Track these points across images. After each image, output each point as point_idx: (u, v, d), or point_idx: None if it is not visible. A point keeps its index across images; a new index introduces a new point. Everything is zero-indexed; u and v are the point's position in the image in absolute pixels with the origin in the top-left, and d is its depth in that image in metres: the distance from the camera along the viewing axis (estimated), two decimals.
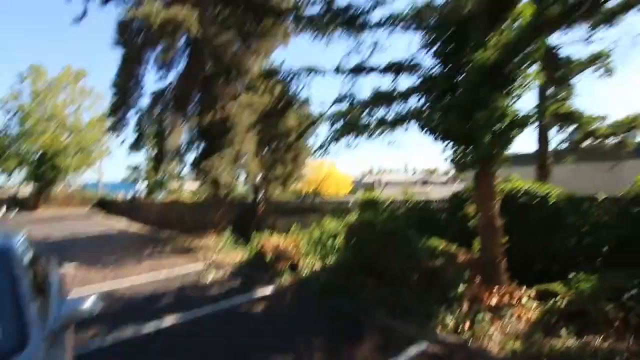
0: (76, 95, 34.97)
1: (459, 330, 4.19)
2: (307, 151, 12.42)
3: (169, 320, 4.93)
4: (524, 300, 4.69)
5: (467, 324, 4.23)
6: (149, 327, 4.68)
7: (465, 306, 4.55)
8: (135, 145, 13.12)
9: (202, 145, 12.70)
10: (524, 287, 4.92)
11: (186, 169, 14.74)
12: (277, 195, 12.88)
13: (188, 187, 24.32)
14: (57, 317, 2.02)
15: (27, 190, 36.04)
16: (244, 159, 11.40)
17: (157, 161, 13.24)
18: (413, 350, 4.00)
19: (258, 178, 12.24)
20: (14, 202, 32.05)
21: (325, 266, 6.93)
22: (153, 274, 7.73)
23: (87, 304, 2.11)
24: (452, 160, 5.38)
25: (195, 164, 12.44)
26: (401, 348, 4.02)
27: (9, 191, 36.24)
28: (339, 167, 31.73)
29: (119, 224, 19.58)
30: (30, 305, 1.96)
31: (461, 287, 4.81)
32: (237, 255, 8.77)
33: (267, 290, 6.40)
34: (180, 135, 12.53)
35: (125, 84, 12.15)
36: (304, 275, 6.77)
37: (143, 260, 9.27)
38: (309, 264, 7.11)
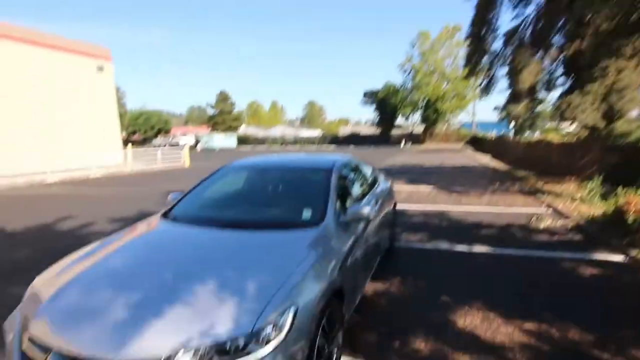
0: (453, 49, 44.97)
1: None
2: None
3: (479, 249, 5.14)
4: None
5: None
6: (461, 247, 5.25)
7: None
8: (485, 90, 14.52)
9: (564, 80, 12.46)
10: None
11: (549, 107, 14.07)
12: None
13: (566, 127, 22.23)
14: (347, 214, 2.92)
15: (419, 129, 51.99)
16: (623, 92, 9.85)
17: (514, 101, 13.28)
18: None
19: None
20: (410, 138, 49.68)
21: None
22: (488, 207, 8.02)
23: (365, 211, 2.88)
24: None
25: (558, 102, 11.77)
26: None
27: (407, 130, 53.81)
28: None
29: (482, 159, 21.58)
30: (330, 203, 2.91)
31: None
32: (591, 208, 7.35)
33: (612, 257, 4.72)
34: (537, 73, 12.14)
35: (479, 31, 12.99)
36: None
37: (485, 194, 9.72)
38: None
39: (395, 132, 52.97)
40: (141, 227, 2.97)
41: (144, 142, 56.25)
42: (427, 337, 2.92)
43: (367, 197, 3.96)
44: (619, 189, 7.54)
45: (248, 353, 1.60)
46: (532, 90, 12.18)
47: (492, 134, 33.44)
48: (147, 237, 2.78)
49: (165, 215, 3.15)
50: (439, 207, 8.19)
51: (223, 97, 67.55)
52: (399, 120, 53.12)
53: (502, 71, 13.44)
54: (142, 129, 58.61)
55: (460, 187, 10.94)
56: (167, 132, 60.77)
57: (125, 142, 24.21)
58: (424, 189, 10.92)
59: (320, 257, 2.31)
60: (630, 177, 7.91)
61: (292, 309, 1.81)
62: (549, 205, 8.05)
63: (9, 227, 6.93)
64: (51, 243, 5.78)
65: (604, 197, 8.06)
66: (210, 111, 69.30)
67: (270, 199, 3.57)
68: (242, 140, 54.58)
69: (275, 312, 1.74)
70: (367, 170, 4.68)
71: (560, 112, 10.16)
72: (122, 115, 24.14)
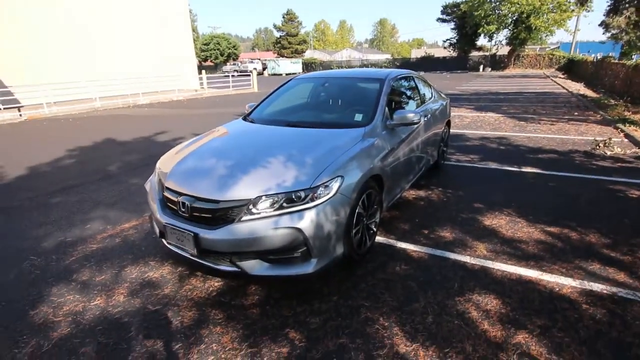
0: None
1: None
2: None
3: (529, 169, 5.35)
4: None
5: None
6: (510, 167, 5.53)
7: None
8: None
9: None
10: None
11: None
12: None
13: None
14: (395, 118, 3.35)
15: (502, 51, 43.28)
16: None
17: (615, 10, 10.14)
18: None
19: None
20: (490, 62, 43.32)
21: None
22: (554, 135, 7.72)
23: (409, 116, 3.29)
24: None
25: None
26: None
27: (488, 52, 45.17)
28: None
29: (572, 86, 19.25)
30: (379, 108, 3.40)
31: None
32: None
33: None
34: None
35: None
36: None
37: (559, 122, 9.25)
38: None
39: (474, 55, 46.31)
40: (228, 126, 3.83)
41: (215, 68, 58.80)
42: (453, 229, 3.46)
43: (418, 109, 4.35)
44: None
45: (306, 203, 2.32)
46: None
47: (593, 56, 27.75)
48: (233, 131, 3.59)
49: (244, 118, 3.99)
50: (501, 133, 8.03)
51: (290, 17, 65.67)
52: (480, 40, 44.85)
53: None
54: (213, 55, 60.84)
55: (532, 115, 10.31)
56: (236, 57, 62.29)
57: (199, 68, 25.74)
58: (491, 116, 10.48)
59: (365, 148, 2.89)
60: None
61: (339, 179, 2.48)
62: (626, 135, 7.44)
63: (120, 139, 8.55)
64: (153, 150, 7.13)
65: None
66: (277, 34, 68.35)
67: (330, 104, 4.16)
68: (307, 65, 53.97)
69: (327, 178, 2.42)
70: (424, 87, 4.94)
71: None
72: (194, 40, 25.31)
